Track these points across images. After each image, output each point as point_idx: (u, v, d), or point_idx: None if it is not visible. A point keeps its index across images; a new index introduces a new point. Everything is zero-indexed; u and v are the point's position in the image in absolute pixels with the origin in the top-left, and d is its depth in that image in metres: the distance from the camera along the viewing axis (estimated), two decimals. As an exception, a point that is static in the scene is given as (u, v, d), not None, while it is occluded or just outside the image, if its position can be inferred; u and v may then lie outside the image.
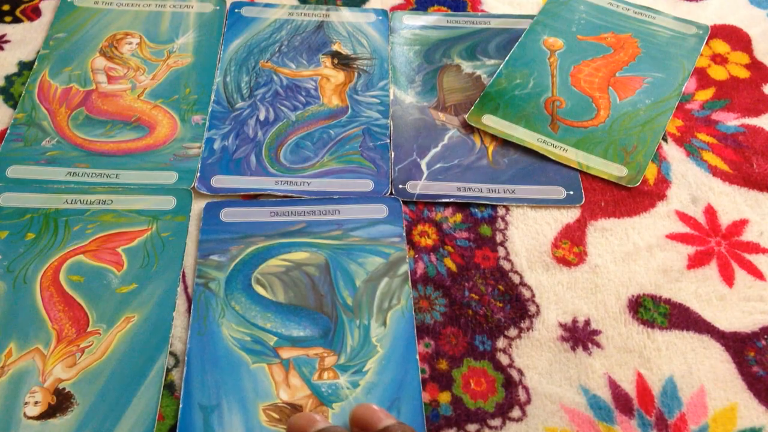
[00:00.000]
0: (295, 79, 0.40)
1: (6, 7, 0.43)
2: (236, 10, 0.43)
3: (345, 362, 0.29)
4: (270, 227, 0.33)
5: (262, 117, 0.38)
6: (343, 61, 0.41)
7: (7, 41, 0.41)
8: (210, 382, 0.28)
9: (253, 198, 0.35)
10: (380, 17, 0.44)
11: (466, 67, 0.41)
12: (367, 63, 0.41)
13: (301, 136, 0.37)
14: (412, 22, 0.44)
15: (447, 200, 0.35)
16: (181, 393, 0.28)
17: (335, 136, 0.37)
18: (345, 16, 0.44)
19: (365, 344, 0.30)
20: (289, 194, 0.35)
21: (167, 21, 0.42)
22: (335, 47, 0.42)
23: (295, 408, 0.28)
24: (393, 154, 0.37)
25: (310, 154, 0.36)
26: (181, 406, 0.28)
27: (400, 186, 0.35)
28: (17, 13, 0.42)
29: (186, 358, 0.29)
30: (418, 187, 0.35)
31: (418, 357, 0.30)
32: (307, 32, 0.42)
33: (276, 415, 0.28)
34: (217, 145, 0.36)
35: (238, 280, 0.31)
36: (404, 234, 0.33)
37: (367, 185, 0.35)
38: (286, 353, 0.29)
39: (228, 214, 0.34)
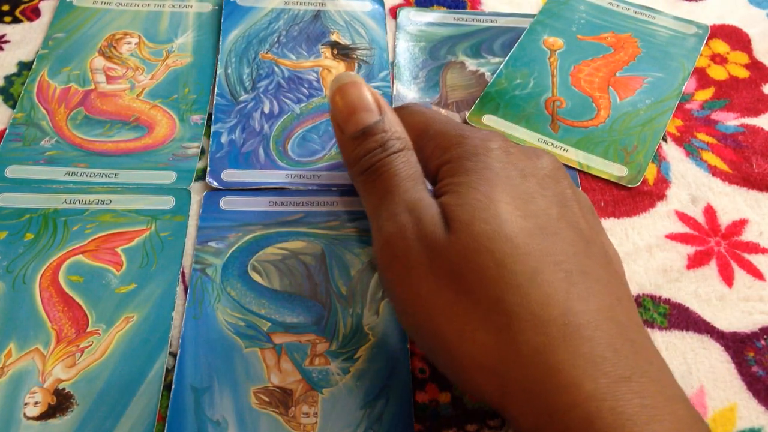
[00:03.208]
0: (296, 70, 0.40)
1: (6, 8, 0.42)
2: (231, 0, 0.43)
3: (336, 349, 0.29)
4: (268, 216, 0.34)
5: (266, 110, 0.38)
6: (342, 52, 0.41)
7: (6, 41, 0.41)
8: (203, 364, 0.29)
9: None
10: (376, 5, 0.44)
11: (470, 64, 0.41)
12: (367, 53, 0.41)
13: (307, 129, 0.37)
14: (419, 19, 0.44)
15: None
16: (174, 375, 0.28)
17: None
18: (341, 4, 0.43)
19: (357, 332, 0.30)
20: (301, 188, 0.35)
21: (166, 21, 0.42)
22: (334, 37, 0.42)
23: (285, 392, 0.28)
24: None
25: (317, 146, 0.36)
26: (173, 387, 0.28)
27: None
28: (17, 13, 0.42)
29: (180, 341, 0.29)
30: None
31: (408, 346, 0.30)
32: (305, 22, 0.42)
33: (266, 398, 0.28)
34: (224, 139, 0.36)
35: (234, 267, 0.32)
36: None
37: None
38: (279, 339, 0.30)
39: (227, 203, 0.34)
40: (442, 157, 0.26)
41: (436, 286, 0.23)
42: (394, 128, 0.26)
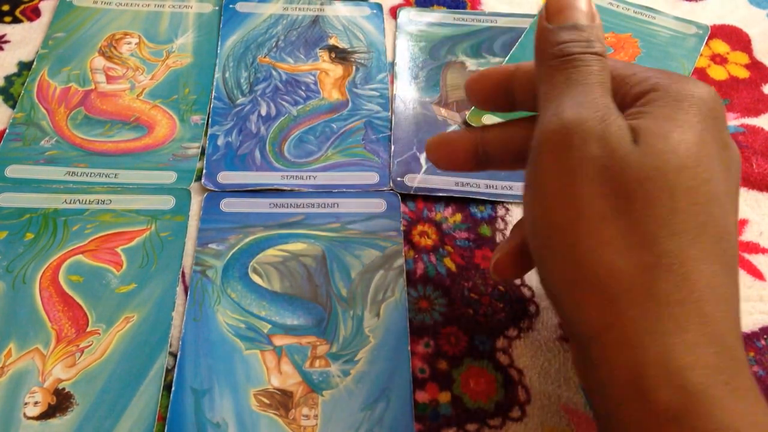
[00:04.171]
0: (293, 73, 0.40)
1: (6, 8, 0.43)
2: (231, 6, 0.43)
3: (337, 351, 0.29)
4: (269, 218, 0.34)
5: (263, 112, 0.38)
6: (340, 55, 0.41)
7: (6, 41, 0.41)
8: (203, 366, 0.29)
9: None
10: (374, 11, 0.44)
11: (471, 64, 0.41)
12: (365, 56, 0.41)
13: (304, 130, 0.37)
14: (419, 19, 0.44)
15: (444, 194, 0.35)
16: (174, 376, 0.28)
17: (337, 130, 0.37)
18: (339, 10, 0.44)
19: (358, 334, 0.30)
20: (296, 188, 0.35)
21: (166, 21, 0.42)
22: (332, 41, 0.42)
23: (286, 394, 0.28)
24: (393, 147, 0.37)
25: (313, 148, 0.37)
26: (173, 389, 0.28)
27: (399, 179, 0.35)
28: (17, 13, 0.42)
29: (180, 344, 0.29)
30: (416, 180, 0.35)
31: (409, 348, 0.30)
32: (303, 27, 0.42)
33: (266, 400, 0.28)
34: (220, 141, 0.36)
35: (235, 269, 0.32)
36: (401, 228, 0.34)
37: (372, 177, 0.35)
38: (279, 341, 0.30)
39: (228, 205, 0.34)
40: (648, 82, 0.24)
41: (598, 194, 0.21)
42: (600, 38, 0.25)
